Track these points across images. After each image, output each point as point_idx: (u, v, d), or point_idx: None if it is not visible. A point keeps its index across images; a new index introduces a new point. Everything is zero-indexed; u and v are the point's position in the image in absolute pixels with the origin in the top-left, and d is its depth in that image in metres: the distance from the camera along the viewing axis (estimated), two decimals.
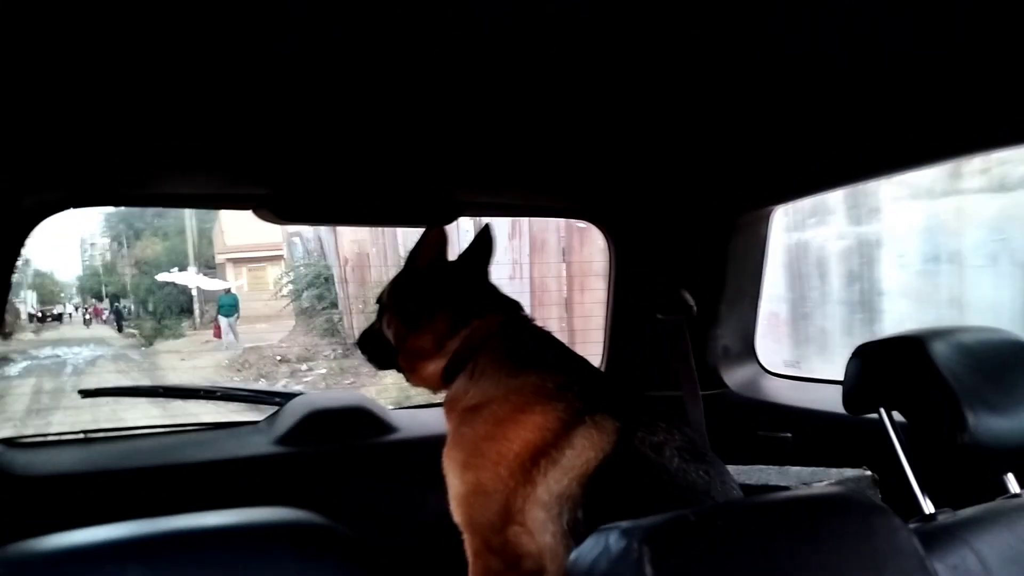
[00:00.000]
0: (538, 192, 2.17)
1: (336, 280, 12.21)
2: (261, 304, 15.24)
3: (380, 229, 10.48)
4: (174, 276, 17.54)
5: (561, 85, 1.54)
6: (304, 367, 11.32)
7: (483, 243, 1.69)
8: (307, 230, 13.38)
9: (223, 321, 15.97)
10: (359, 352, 1.79)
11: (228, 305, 16.24)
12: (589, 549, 0.82)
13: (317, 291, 12.84)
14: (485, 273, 1.69)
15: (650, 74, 1.50)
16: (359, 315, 10.85)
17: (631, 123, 1.78)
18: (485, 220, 1.86)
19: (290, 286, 13.74)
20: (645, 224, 2.21)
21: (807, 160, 1.81)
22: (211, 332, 16.66)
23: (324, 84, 1.45)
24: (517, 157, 1.92)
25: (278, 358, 12.11)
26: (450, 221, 2.03)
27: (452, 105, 1.59)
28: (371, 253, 11.36)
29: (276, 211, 1.82)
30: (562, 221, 7.02)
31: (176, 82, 1.37)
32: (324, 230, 12.24)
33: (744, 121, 1.74)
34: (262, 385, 10.71)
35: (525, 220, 7.73)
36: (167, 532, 0.62)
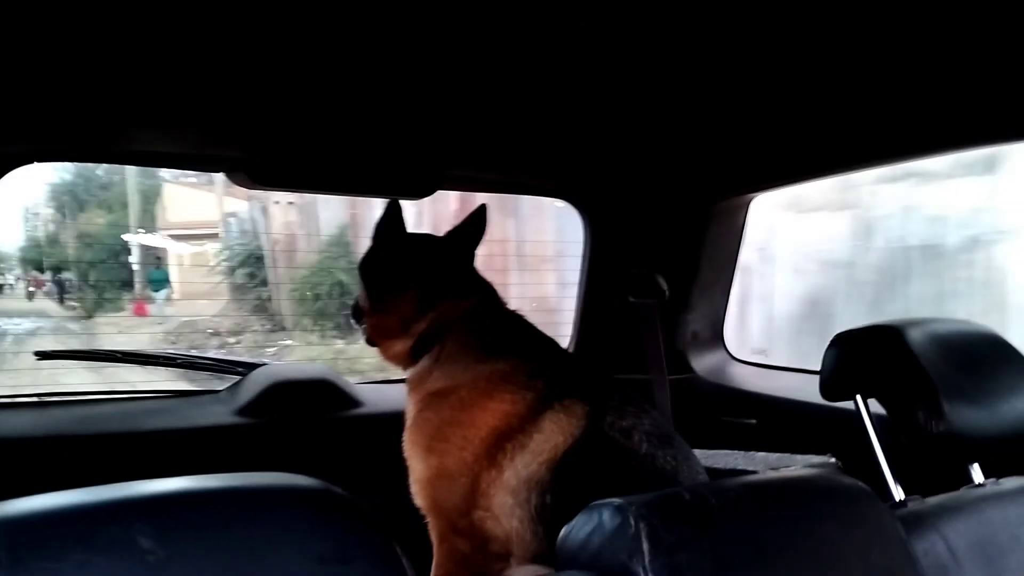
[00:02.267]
0: (517, 169, 2.15)
1: (267, 259, 12.94)
2: (200, 280, 15.30)
3: (308, 214, 11.61)
4: (138, 238, 17.40)
5: (547, 64, 1.52)
6: (233, 340, 11.94)
7: (474, 223, 1.65)
8: (243, 210, 14.00)
9: (154, 296, 15.64)
10: (353, 323, 1.75)
11: (158, 280, 15.94)
12: (581, 525, 0.82)
13: (249, 269, 13.34)
14: (470, 254, 1.66)
15: (636, 58, 1.49)
16: (286, 294, 11.76)
17: (614, 105, 1.77)
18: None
19: (225, 264, 14.19)
20: (622, 207, 2.21)
21: (787, 150, 1.83)
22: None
23: (307, 44, 1.41)
24: (500, 133, 1.91)
25: (209, 331, 12.64)
26: (428, 194, 2.00)
27: (438, 76, 1.57)
28: (299, 235, 12.18)
29: (251, 174, 1.76)
30: None
31: (150, 33, 1.32)
32: (256, 211, 13.01)
33: (726, 109, 1.75)
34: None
35: None
36: (172, 492, 0.59)
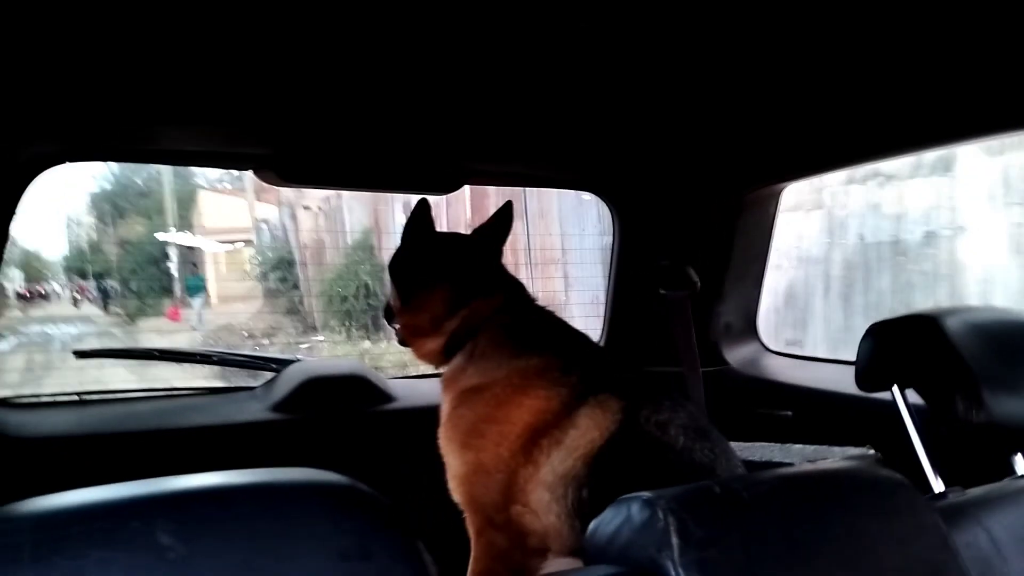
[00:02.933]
0: (543, 163, 2.14)
1: (297, 263, 13.54)
2: (237, 284, 15.97)
3: (334, 219, 12.17)
4: (171, 236, 17.95)
5: (569, 55, 1.51)
6: (266, 341, 12.53)
7: (501, 220, 1.65)
8: (273, 216, 14.66)
9: (192, 302, 16.06)
10: (386, 323, 1.76)
11: (194, 286, 16.34)
12: (609, 519, 0.81)
13: (281, 273, 13.92)
14: (497, 250, 1.66)
15: (660, 47, 1.47)
16: (316, 296, 12.29)
17: (640, 95, 1.75)
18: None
19: (258, 268, 14.83)
20: (651, 198, 2.19)
21: (817, 138, 1.80)
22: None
23: (331, 43, 1.42)
24: (523, 126, 1.90)
25: (245, 334, 13.19)
26: (454, 189, 2.00)
27: (461, 71, 1.56)
28: (326, 239, 12.75)
29: (278, 171, 1.78)
30: None
31: (177, 33, 1.33)
32: (287, 216, 13.67)
33: (754, 98, 1.72)
34: None
35: None
36: (194, 489, 0.60)
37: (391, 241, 10.85)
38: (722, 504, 0.77)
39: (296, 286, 13.51)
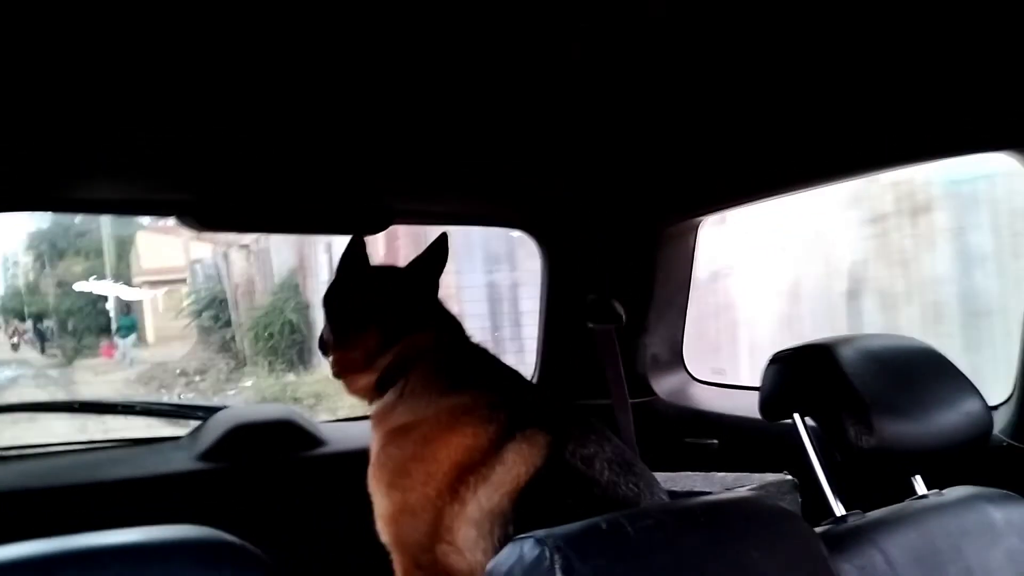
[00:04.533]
0: (470, 201, 2.17)
1: (230, 302, 14.10)
2: (174, 323, 16.38)
3: (262, 259, 13.04)
4: (92, 285, 18.06)
5: (492, 94, 1.54)
6: (198, 378, 13.05)
7: (435, 253, 1.66)
8: (207, 256, 15.15)
9: (120, 342, 16.50)
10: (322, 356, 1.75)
11: (126, 327, 16.66)
12: (505, 558, 0.82)
13: (214, 312, 14.46)
14: (433, 284, 1.67)
15: (579, 86, 1.52)
16: (247, 333, 12.93)
17: (562, 133, 1.79)
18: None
19: (192, 307, 15.30)
20: (576, 234, 2.24)
21: (729, 173, 1.86)
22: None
23: (248, 88, 1.43)
24: (449, 165, 1.92)
25: (178, 371, 13.67)
26: (381, 229, 2.01)
27: (382, 111, 1.58)
28: (256, 279, 13.50)
29: (199, 218, 1.77)
30: None
31: (93, 84, 1.33)
32: (219, 256, 14.31)
33: (668, 133, 1.78)
34: (163, 395, 12.33)
35: None
36: (64, 551, 0.60)
37: (316, 281, 11.65)
38: (608, 539, 0.79)
39: (228, 324, 13.91)
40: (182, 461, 1.96)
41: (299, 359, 11.84)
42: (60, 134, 1.49)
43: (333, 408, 8.67)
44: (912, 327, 4.50)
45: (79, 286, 18.29)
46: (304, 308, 11.99)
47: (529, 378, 2.38)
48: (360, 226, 1.93)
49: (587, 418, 1.44)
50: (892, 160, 1.64)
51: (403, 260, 1.77)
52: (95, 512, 1.76)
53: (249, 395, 11.42)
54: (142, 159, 1.65)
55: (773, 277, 5.06)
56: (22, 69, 1.24)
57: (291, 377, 11.35)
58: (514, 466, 1.32)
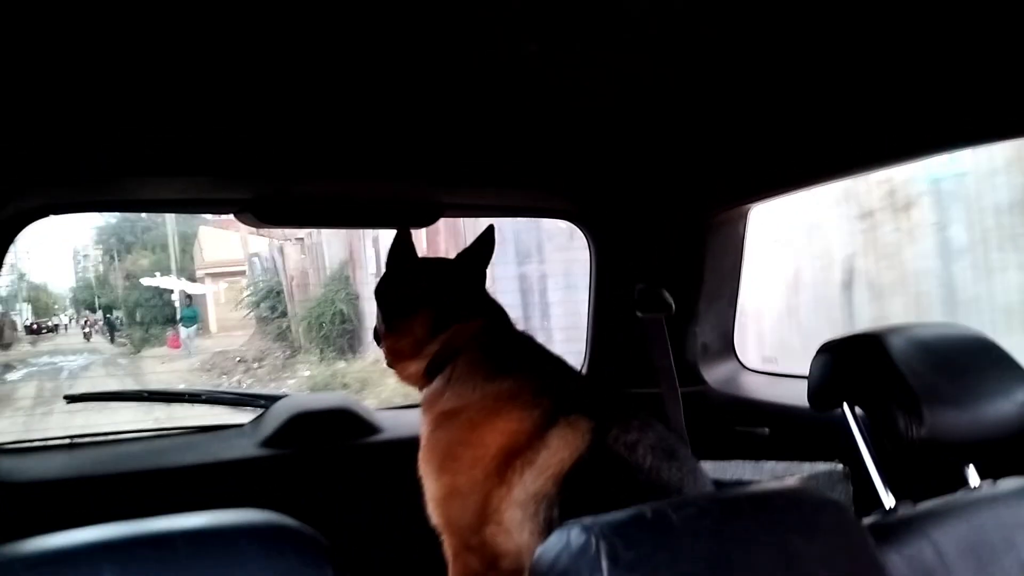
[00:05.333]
0: (519, 193, 2.19)
1: (285, 293, 14.87)
2: (234, 313, 17.25)
3: (315, 252, 13.96)
4: (158, 280, 18.88)
5: (541, 87, 1.56)
6: (256, 365, 13.85)
7: (483, 244, 1.69)
8: (264, 250, 15.88)
9: (183, 331, 17.23)
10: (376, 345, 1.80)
11: (188, 317, 17.43)
12: (552, 545, 0.85)
13: (271, 303, 15.25)
14: (480, 274, 1.70)
15: (629, 77, 1.52)
16: (300, 322, 13.65)
17: (611, 123, 1.80)
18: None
19: (250, 299, 16.15)
20: (625, 224, 2.24)
21: (781, 159, 1.84)
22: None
23: (304, 87, 1.47)
24: (497, 158, 1.95)
25: (237, 359, 14.43)
26: (431, 222, 2.05)
27: (434, 106, 1.62)
28: (310, 271, 14.33)
29: (258, 214, 1.84)
30: None
31: (156, 87, 1.39)
32: (276, 250, 15.04)
33: (718, 122, 1.77)
34: (224, 381, 13.01)
35: None
36: (139, 535, 0.64)
37: (364, 273, 12.23)
38: (652, 527, 0.81)
39: (284, 314, 14.63)
40: (245, 447, 2.04)
41: (348, 347, 12.37)
42: (120, 137, 1.57)
43: (377, 393, 9.39)
44: (899, 315, 4.81)
45: (146, 281, 19.12)
46: (353, 299, 12.58)
47: (579, 366, 2.42)
48: (410, 219, 1.98)
49: (630, 404, 1.46)
50: (936, 145, 1.61)
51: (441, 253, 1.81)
52: (163, 497, 1.86)
53: (305, 383, 11.95)
54: (203, 159, 1.72)
55: (774, 268, 5.25)
56: (85, 76, 1.31)
57: (341, 364, 11.86)
58: (558, 450, 1.35)
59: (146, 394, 2.16)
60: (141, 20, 1.12)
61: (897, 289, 4.99)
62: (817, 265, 5.26)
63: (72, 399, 2.08)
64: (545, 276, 8.28)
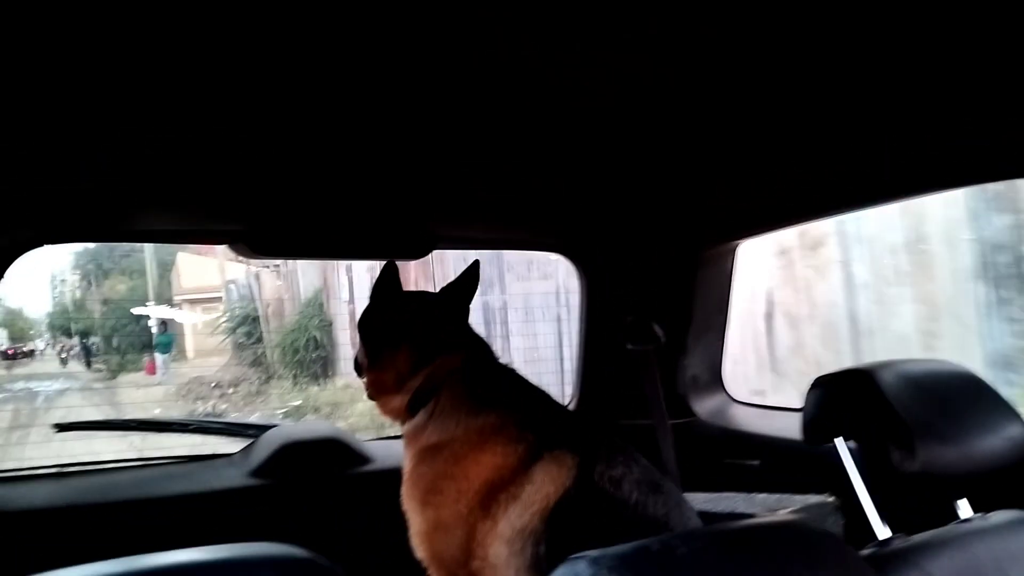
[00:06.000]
0: (510, 226, 2.22)
1: (261, 319, 15.10)
2: (211, 339, 17.38)
3: (290, 280, 14.36)
4: (148, 309, 18.83)
5: (532, 122, 1.59)
6: (231, 391, 13.94)
7: (467, 279, 1.72)
8: (241, 276, 16.14)
9: (159, 358, 17.36)
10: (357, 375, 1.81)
11: (163, 344, 17.60)
12: None
13: (247, 328, 15.41)
14: (463, 309, 1.72)
15: (619, 113, 1.55)
16: (276, 348, 13.96)
17: (602, 158, 1.83)
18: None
19: (227, 325, 16.30)
20: (614, 257, 2.27)
21: (772, 196, 1.88)
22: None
23: (298, 119, 1.49)
24: (490, 191, 1.97)
25: (213, 384, 14.53)
26: (424, 255, 2.07)
27: (426, 139, 1.64)
28: (285, 299, 14.70)
29: (251, 246, 1.84)
30: None
31: (149, 118, 1.40)
32: (252, 277, 15.31)
33: (707, 158, 1.81)
34: (199, 407, 13.13)
35: None
36: (154, 568, 0.64)
37: (338, 301, 12.59)
38: (658, 561, 0.82)
39: (260, 340, 14.87)
40: (234, 477, 2.03)
41: (322, 372, 12.73)
42: (114, 170, 1.57)
43: (346, 416, 9.79)
44: (814, 343, 5.56)
45: (137, 310, 19.17)
46: (327, 325, 12.96)
47: (569, 399, 2.43)
48: (403, 251, 1.99)
49: (614, 438, 1.47)
50: (921, 186, 1.66)
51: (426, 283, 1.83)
52: (152, 526, 1.84)
53: (277, 405, 12.29)
54: (197, 191, 1.73)
55: None
56: (79, 106, 1.32)
57: (314, 389, 12.24)
58: (543, 485, 1.36)
59: (135, 423, 2.14)
60: (135, 50, 1.13)
61: (810, 320, 5.61)
62: (742, 297, 5.78)
63: (61, 428, 2.06)
64: (506, 307, 8.50)
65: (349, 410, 9.90)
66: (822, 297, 5.54)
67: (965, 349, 4.78)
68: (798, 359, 5.64)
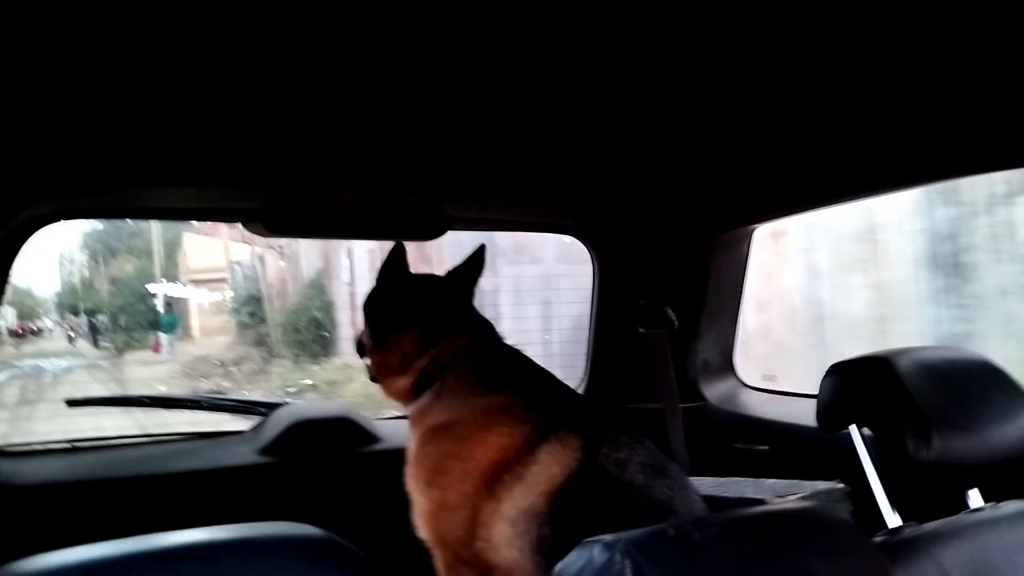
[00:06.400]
0: (524, 208, 2.21)
1: (264, 300, 15.39)
2: (216, 318, 18.08)
3: (293, 261, 14.69)
4: (156, 288, 19.26)
5: (549, 103, 1.58)
6: (234, 369, 14.26)
7: (474, 261, 1.71)
8: (245, 258, 16.42)
9: (163, 337, 17.74)
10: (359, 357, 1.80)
11: (168, 324, 17.98)
12: (573, 561, 0.86)
13: (251, 308, 15.77)
14: (469, 291, 1.71)
15: (637, 95, 1.55)
16: (278, 328, 14.39)
17: (618, 140, 1.82)
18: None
19: (232, 304, 16.85)
20: (629, 240, 2.26)
21: (787, 181, 1.87)
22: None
23: (315, 99, 1.49)
24: (504, 173, 1.96)
25: (217, 362, 14.84)
26: (437, 235, 2.06)
27: (442, 120, 1.63)
28: (288, 280, 15.09)
29: (267, 224, 1.84)
30: None
31: (168, 96, 1.40)
32: (256, 258, 15.64)
33: (726, 142, 1.80)
34: (202, 384, 13.37)
35: None
36: (180, 545, 0.65)
37: (338, 282, 12.78)
38: (675, 546, 0.82)
39: (263, 320, 15.18)
40: (245, 454, 2.04)
41: (322, 351, 13.00)
42: (132, 146, 1.57)
43: (344, 394, 9.91)
44: (779, 326, 5.94)
45: (153, 287, 19.34)
46: (328, 306, 13.20)
47: (579, 381, 2.43)
48: (417, 232, 1.99)
49: (620, 420, 1.47)
50: (937, 173, 1.64)
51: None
52: (163, 502, 1.85)
53: (277, 384, 12.59)
54: (214, 169, 1.73)
55: None
56: (101, 83, 1.32)
57: (314, 368, 12.49)
58: (548, 467, 1.36)
59: (147, 399, 2.15)
60: (154, 29, 1.13)
61: (775, 304, 5.99)
62: None
63: (73, 403, 2.07)
64: (497, 289, 8.56)
65: (348, 389, 10.06)
66: (786, 283, 5.94)
67: (913, 334, 5.28)
68: (763, 342, 5.88)
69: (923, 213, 5.31)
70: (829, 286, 5.82)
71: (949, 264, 5.18)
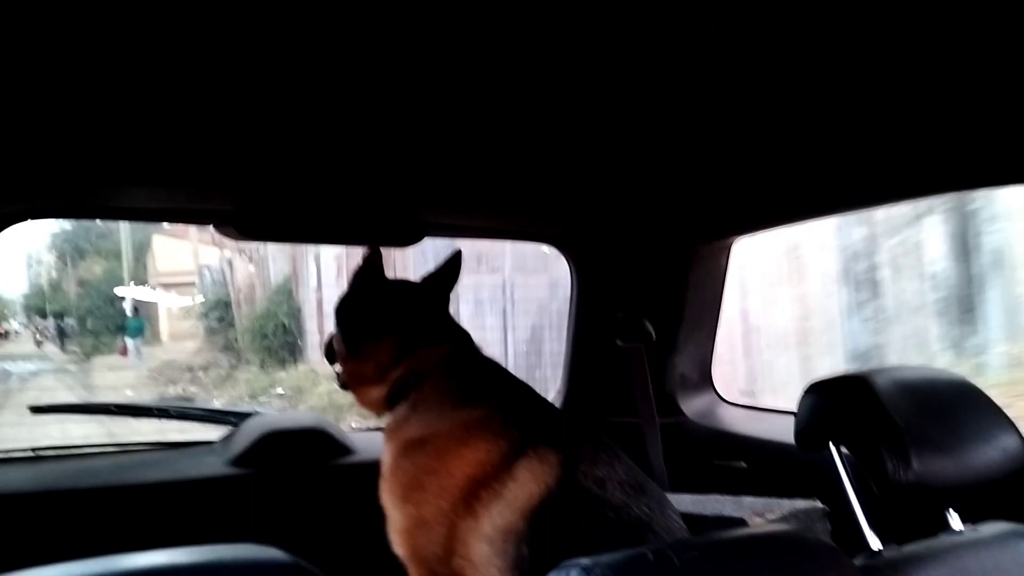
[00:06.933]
0: (503, 216, 2.19)
1: (233, 305, 15.48)
2: (184, 323, 18.14)
3: (261, 266, 14.77)
4: (130, 291, 19.33)
5: (528, 112, 1.56)
6: (201, 374, 14.43)
7: (449, 268, 1.68)
8: (214, 262, 16.47)
9: (129, 342, 17.79)
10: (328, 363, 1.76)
11: (134, 328, 18.06)
12: None
13: (219, 313, 15.92)
14: (444, 299, 1.68)
15: (617, 106, 1.53)
16: (245, 333, 14.46)
17: (598, 151, 1.81)
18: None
19: (200, 309, 16.90)
20: (607, 252, 2.25)
21: (766, 195, 1.86)
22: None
23: (290, 101, 1.46)
24: (484, 180, 1.94)
25: (184, 368, 14.96)
26: (415, 242, 2.03)
27: (420, 125, 1.60)
28: (256, 285, 15.07)
29: (239, 227, 1.80)
30: None
31: (139, 93, 1.37)
32: (225, 262, 15.71)
33: (705, 154, 1.79)
34: (169, 389, 13.45)
35: None
36: (140, 569, 0.61)
37: (306, 288, 12.94)
38: (655, 570, 0.80)
39: (232, 324, 15.29)
40: (214, 465, 1.99)
41: (289, 357, 13.22)
42: (102, 144, 1.53)
43: (309, 400, 10.03)
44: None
45: (120, 291, 19.37)
46: (295, 312, 13.39)
47: (556, 393, 2.41)
48: (395, 238, 1.96)
49: (598, 436, 1.44)
50: (917, 189, 1.65)
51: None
52: (130, 513, 1.80)
53: (244, 390, 12.78)
54: (187, 170, 1.69)
55: None
56: (70, 81, 1.28)
57: (281, 374, 12.67)
58: (526, 484, 1.33)
59: (114, 407, 2.10)
60: (127, 29, 1.10)
61: None
62: None
63: (38, 410, 2.01)
64: (456, 297, 8.58)
65: (313, 394, 10.20)
66: None
67: (831, 345, 5.78)
68: None
69: (841, 232, 5.78)
70: (757, 299, 6.20)
71: (863, 280, 5.69)
